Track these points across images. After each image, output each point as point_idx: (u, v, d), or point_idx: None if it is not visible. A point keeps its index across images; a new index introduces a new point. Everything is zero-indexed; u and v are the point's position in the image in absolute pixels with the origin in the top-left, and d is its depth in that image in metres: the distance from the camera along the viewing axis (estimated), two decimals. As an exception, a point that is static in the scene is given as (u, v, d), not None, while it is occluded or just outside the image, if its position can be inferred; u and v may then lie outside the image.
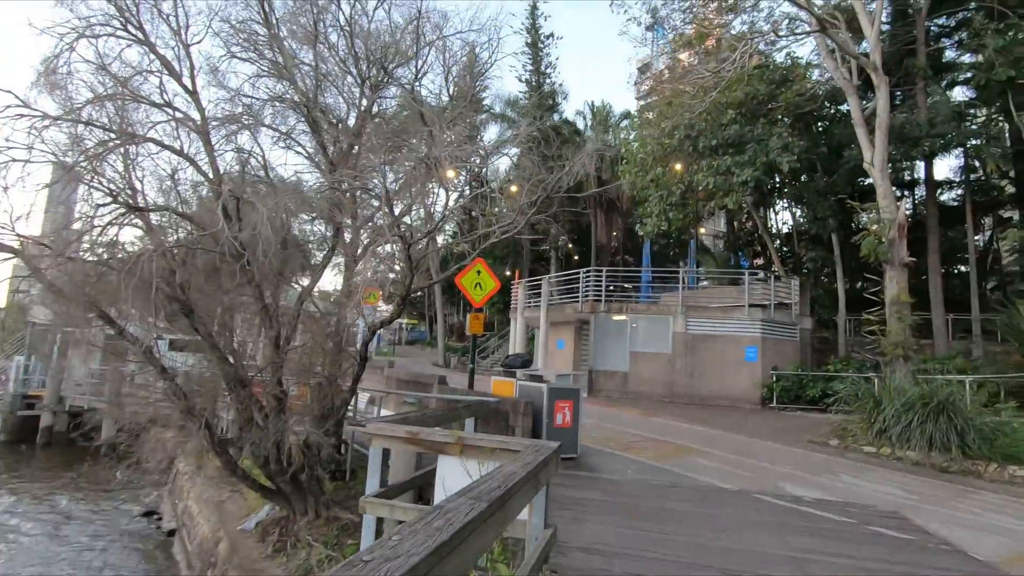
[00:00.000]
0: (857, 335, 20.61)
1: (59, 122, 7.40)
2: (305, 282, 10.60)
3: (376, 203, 9.37)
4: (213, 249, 7.48)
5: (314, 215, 9.94)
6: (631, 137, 25.58)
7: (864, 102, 16.38)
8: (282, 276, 9.62)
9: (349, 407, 9.33)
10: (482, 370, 21.64)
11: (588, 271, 20.27)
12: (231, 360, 8.89)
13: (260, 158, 9.32)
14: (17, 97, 6.68)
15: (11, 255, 7.61)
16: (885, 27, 18.95)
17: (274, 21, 7.62)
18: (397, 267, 11.53)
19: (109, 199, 7.55)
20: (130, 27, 7.08)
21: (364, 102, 9.07)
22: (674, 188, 20.57)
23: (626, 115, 31.67)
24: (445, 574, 1.70)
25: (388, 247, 9.90)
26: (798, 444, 12.23)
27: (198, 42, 7.53)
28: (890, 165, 16.00)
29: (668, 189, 20.73)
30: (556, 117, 29.84)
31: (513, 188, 8.05)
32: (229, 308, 9.07)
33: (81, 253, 8.71)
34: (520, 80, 31.82)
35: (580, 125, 31.46)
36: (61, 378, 18.77)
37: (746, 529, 6.41)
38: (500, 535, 2.98)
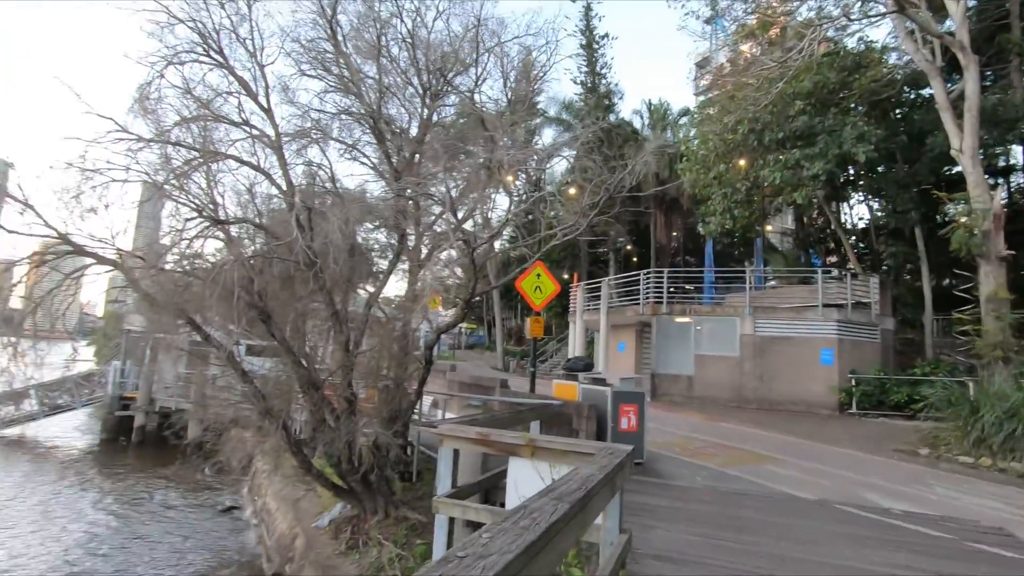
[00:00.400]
0: (946, 336, 19.09)
1: (151, 144, 8.02)
2: (370, 288, 10.99)
3: (438, 209, 9.59)
4: (288, 258, 7.86)
5: (378, 223, 10.28)
6: (691, 134, 24.89)
7: (949, 84, 15.22)
8: (350, 283, 10.00)
9: (415, 410, 9.53)
10: (541, 373, 21.59)
11: (648, 273, 19.86)
12: (304, 364, 9.32)
13: (328, 170, 9.74)
14: (116, 123, 7.30)
15: (112, 268, 8.33)
16: (972, 2, 17.52)
17: (340, 38, 7.94)
18: (456, 272, 11.76)
19: (195, 214, 8.10)
20: (212, 52, 7.59)
21: (425, 111, 9.31)
22: (738, 185, 19.82)
23: (685, 112, 30.87)
24: (533, 574, 1.69)
25: (448, 252, 10.11)
26: (882, 452, 11.44)
27: (272, 63, 7.99)
28: (981, 151, 14.74)
29: (732, 186, 19.99)
30: (612, 117, 29.47)
31: (572, 190, 8.01)
32: (302, 314, 9.51)
33: (170, 264, 9.41)
34: (575, 82, 31.72)
35: (637, 124, 30.95)
36: (152, 381, 20.28)
37: (828, 542, 6.05)
38: (579, 538, 2.95)
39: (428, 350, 8.15)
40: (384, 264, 12.99)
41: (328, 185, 9.86)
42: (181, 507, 13.75)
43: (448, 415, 9.91)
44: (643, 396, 9.71)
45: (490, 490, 5.85)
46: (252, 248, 9.74)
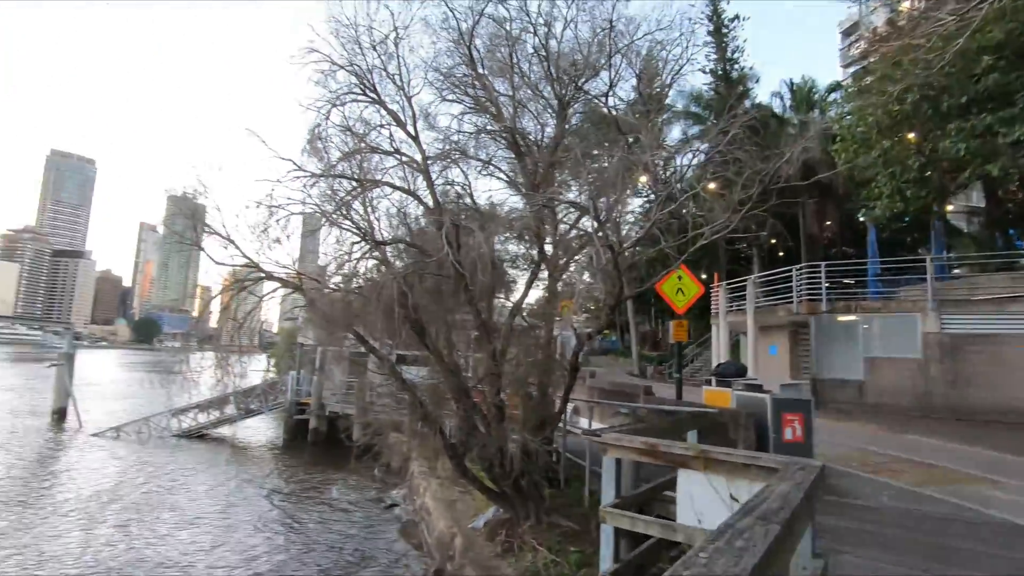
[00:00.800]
0: None
1: (320, 178, 9.06)
2: (510, 299, 11.33)
3: (573, 216, 9.62)
4: (439, 273, 8.40)
5: (516, 234, 10.57)
6: (844, 111, 22.27)
7: None
8: (493, 293, 10.40)
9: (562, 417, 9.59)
10: (682, 379, 20.59)
11: (801, 268, 18.06)
12: (455, 372, 9.86)
13: (466, 187, 10.26)
14: (294, 163, 8.37)
15: (294, 290, 9.56)
16: None
17: (477, 57, 8.32)
18: (587, 278, 11.66)
19: (358, 237, 9.01)
20: (367, 91, 8.39)
21: (557, 120, 9.42)
22: (910, 161, 17.29)
23: (834, 87, 27.76)
24: (759, 598, 1.58)
25: (580, 258, 10.07)
26: None
27: (417, 93, 8.62)
28: None
29: (901, 164, 17.49)
30: (748, 104, 27.47)
31: (711, 185, 7.53)
32: (451, 325, 10.09)
33: (336, 284, 10.52)
34: (704, 71, 30.05)
35: (777, 108, 28.46)
36: (322, 388, 22.84)
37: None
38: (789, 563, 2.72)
39: (575, 357, 8.14)
40: (517, 274, 13.34)
41: (468, 201, 10.39)
42: (351, 501, 15.22)
43: (594, 423, 9.81)
44: (809, 404, 8.81)
45: (648, 501, 5.65)
46: (403, 265, 10.56)
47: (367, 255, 9.06)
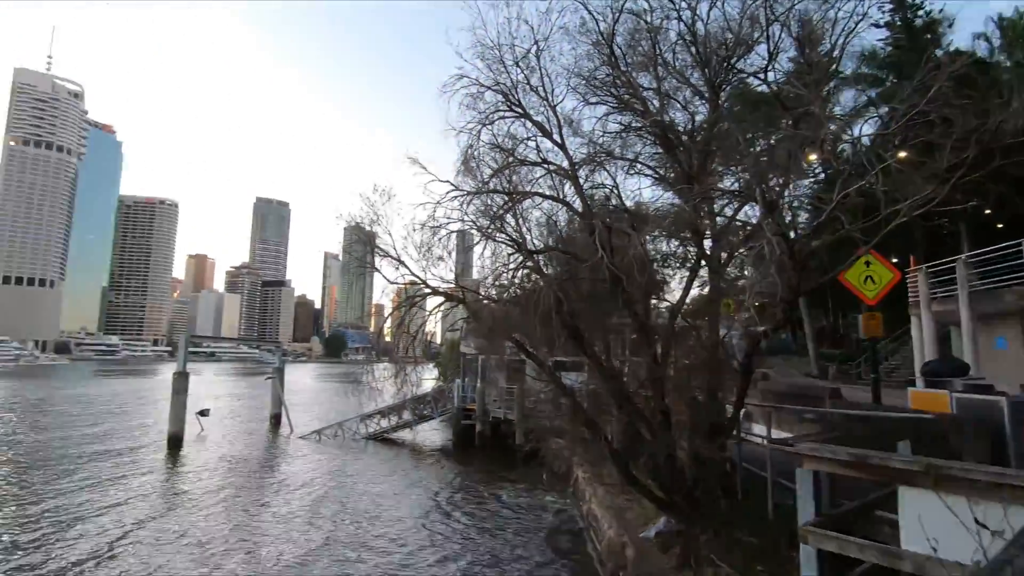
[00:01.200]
0: None
1: (474, 196, 9.57)
2: (667, 299, 10.85)
3: (734, 206, 8.92)
4: (593, 277, 8.35)
5: (668, 232, 10.11)
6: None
7: None
8: (650, 295, 10.05)
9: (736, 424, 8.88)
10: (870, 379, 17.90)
11: (1034, 240, 14.65)
12: (614, 377, 9.69)
13: (614, 189, 10.08)
14: (451, 183, 8.97)
15: (457, 303, 10.21)
16: None
17: (619, 55, 8.16)
18: (752, 272, 10.69)
19: (512, 249, 9.33)
20: (513, 107, 8.70)
21: (707, 107, 8.85)
22: None
23: (1062, 14, 22.29)
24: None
25: (744, 252, 9.26)
26: None
27: (560, 101, 8.72)
28: None
29: None
30: (939, 53, 23.21)
31: (901, 154, 6.39)
32: (608, 330, 9.96)
33: (494, 295, 10.99)
34: (878, 25, 26.07)
35: (983, 51, 23.61)
36: (484, 395, 24.06)
37: None
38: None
39: (747, 358, 7.50)
40: (668, 274, 12.72)
41: (616, 203, 10.21)
42: (519, 504, 15.69)
43: (774, 431, 8.94)
44: (1066, 409, 7.07)
45: (855, 521, 4.95)
46: (554, 272, 10.68)
47: (522, 265, 9.34)
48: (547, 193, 9.45)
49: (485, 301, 10.50)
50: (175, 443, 23.49)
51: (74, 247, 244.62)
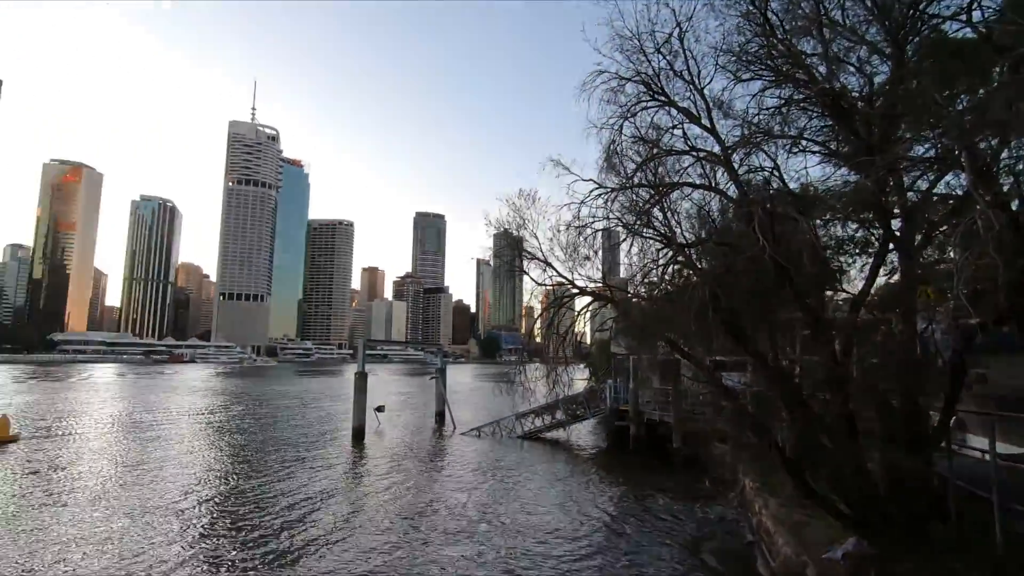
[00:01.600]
0: None
1: (618, 192, 9.37)
2: (847, 290, 9.53)
3: (930, 178, 7.54)
4: (753, 269, 7.65)
5: (844, 213, 8.90)
6: None
7: None
8: (823, 286, 8.95)
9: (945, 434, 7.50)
10: None
11: None
12: (783, 378, 8.77)
13: (774, 171, 9.15)
14: (595, 182, 8.89)
15: (606, 302, 10.09)
16: None
17: (775, 23, 7.40)
18: (950, 253, 8.88)
19: (661, 244, 8.95)
20: (655, 96, 8.35)
21: (890, 64, 7.60)
22: None
23: None
24: None
25: (946, 230, 7.75)
26: None
27: (708, 83, 8.16)
28: None
29: None
30: None
31: None
32: (775, 326, 9.06)
33: (643, 293, 10.62)
34: None
35: None
36: (637, 396, 23.41)
37: None
38: None
39: (957, 356, 6.29)
40: (846, 261, 11.16)
41: (777, 186, 9.25)
42: (677, 511, 14.93)
43: (1001, 444, 7.38)
44: None
45: None
46: (708, 266, 9.99)
47: (672, 260, 8.91)
48: (697, 182, 8.92)
49: (634, 299, 10.20)
50: (358, 435, 26.51)
51: (276, 266, 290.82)
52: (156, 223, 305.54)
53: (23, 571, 10.19)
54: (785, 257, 7.13)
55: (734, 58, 8.12)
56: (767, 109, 8.63)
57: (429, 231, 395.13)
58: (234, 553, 11.38)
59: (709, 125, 8.19)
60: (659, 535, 13.11)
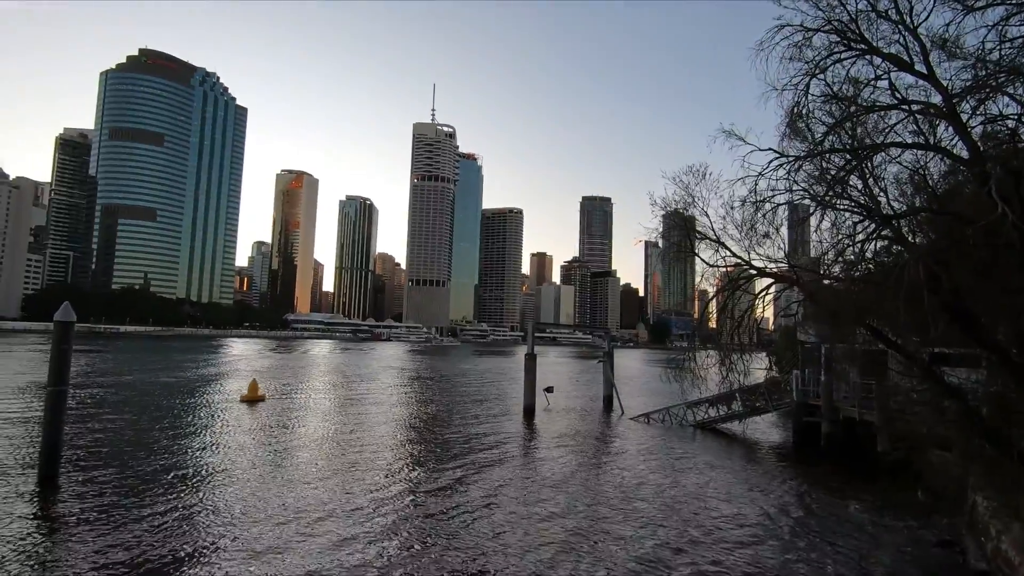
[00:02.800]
0: None
1: (805, 161, 8.31)
2: None
3: None
4: (990, 243, 6.22)
5: None
6: None
7: None
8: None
9: None
10: None
11: None
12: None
13: (1020, 118, 7.30)
14: (775, 151, 7.99)
15: (790, 284, 9.06)
16: None
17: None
18: None
19: (860, 216, 7.74)
20: (852, 44, 7.18)
21: None
22: None
23: None
24: None
25: None
26: None
27: (925, 19, 6.76)
28: None
29: None
30: None
31: None
32: (1019, 312, 7.29)
33: (837, 273, 9.30)
34: None
35: None
36: (831, 389, 20.70)
37: None
38: None
39: None
40: None
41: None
42: (879, 524, 12.93)
43: None
44: None
45: None
46: (925, 240, 8.39)
47: (875, 235, 7.65)
48: (909, 141, 7.50)
49: (826, 281, 8.98)
50: (529, 413, 27.79)
51: (455, 254, 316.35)
52: (358, 219, 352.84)
53: (261, 500, 12.73)
54: (1036, 226, 5.71)
55: (962, -17, 6.60)
56: (1012, 41, 6.86)
57: (596, 215, 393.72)
58: (414, 509, 12.81)
59: (925, 71, 6.80)
60: (859, 554, 11.44)
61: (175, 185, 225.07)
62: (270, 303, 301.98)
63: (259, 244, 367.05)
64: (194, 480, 14.35)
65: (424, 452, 19.34)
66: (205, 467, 15.83)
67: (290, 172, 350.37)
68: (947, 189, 7.87)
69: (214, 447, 18.53)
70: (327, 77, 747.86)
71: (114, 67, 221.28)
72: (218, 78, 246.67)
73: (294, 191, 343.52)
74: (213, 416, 24.80)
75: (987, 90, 7.04)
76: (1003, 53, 7.02)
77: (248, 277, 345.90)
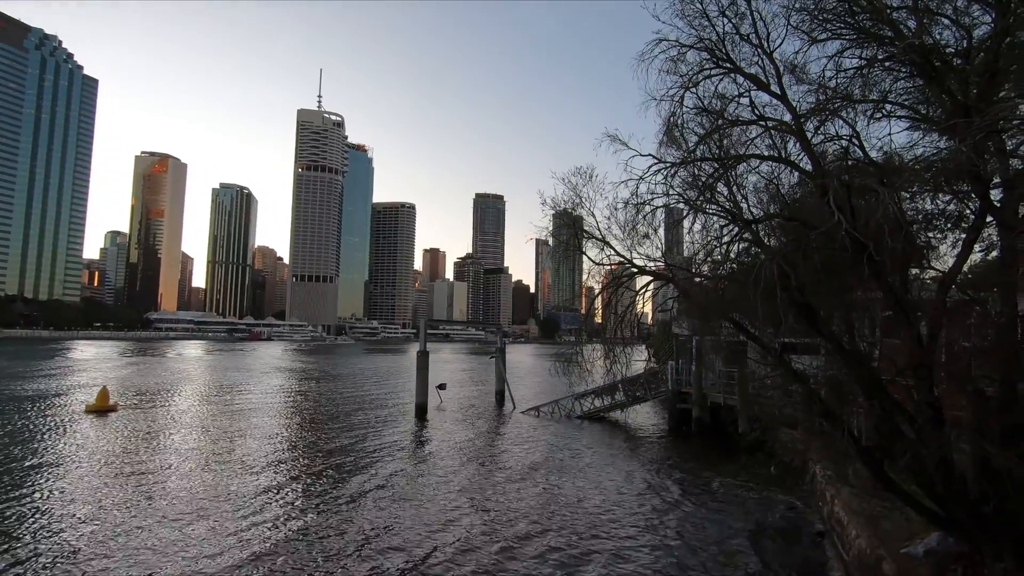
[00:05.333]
0: None
1: (679, 167, 8.95)
2: (936, 267, 8.73)
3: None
4: (827, 246, 7.13)
5: (934, 183, 8.11)
6: None
7: None
8: (908, 263, 8.23)
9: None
10: None
11: None
12: (859, 361, 8.19)
13: (853, 139, 8.43)
14: (654, 157, 8.51)
15: (665, 281, 9.73)
16: None
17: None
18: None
19: (725, 220, 8.50)
20: (719, 62, 7.84)
21: (994, 15, 6.77)
22: None
23: None
24: None
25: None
26: None
27: (778, 46, 7.56)
28: None
29: None
30: None
31: None
32: (850, 306, 8.45)
33: (706, 272, 10.17)
34: None
35: None
36: (701, 378, 22.73)
37: None
38: None
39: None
40: (935, 238, 10.22)
41: (857, 155, 8.53)
42: (742, 497, 14.47)
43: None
44: None
45: None
46: (777, 243, 9.41)
47: (738, 237, 8.45)
48: (766, 154, 8.36)
49: (697, 279, 9.80)
50: (421, 412, 27.36)
51: (344, 249, 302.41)
52: (235, 209, 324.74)
53: (112, 527, 11.28)
54: (864, 232, 6.60)
55: (808, 17, 7.47)
56: (846, 71, 7.92)
57: (488, 212, 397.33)
58: (298, 522, 12.09)
59: (779, 92, 7.62)
60: (722, 520, 12.80)
61: (3, 163, 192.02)
62: (127, 300, 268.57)
63: (114, 234, 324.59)
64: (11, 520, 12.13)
65: (304, 464, 17.96)
66: (33, 498, 13.69)
67: (152, 154, 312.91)
68: (795, 198, 8.88)
69: (49, 471, 16.08)
70: (200, 54, 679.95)
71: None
72: (60, 42, 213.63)
73: (157, 176, 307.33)
74: (49, 431, 21.39)
75: (826, 113, 8.02)
76: (839, 82, 8.07)
77: (100, 271, 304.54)
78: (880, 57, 7.40)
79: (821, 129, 8.27)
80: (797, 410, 10.06)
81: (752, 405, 17.89)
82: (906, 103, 8.31)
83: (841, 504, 10.22)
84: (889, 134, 8.23)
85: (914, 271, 9.46)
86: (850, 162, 8.35)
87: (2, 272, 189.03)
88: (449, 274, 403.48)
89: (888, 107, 8.29)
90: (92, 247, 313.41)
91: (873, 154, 8.35)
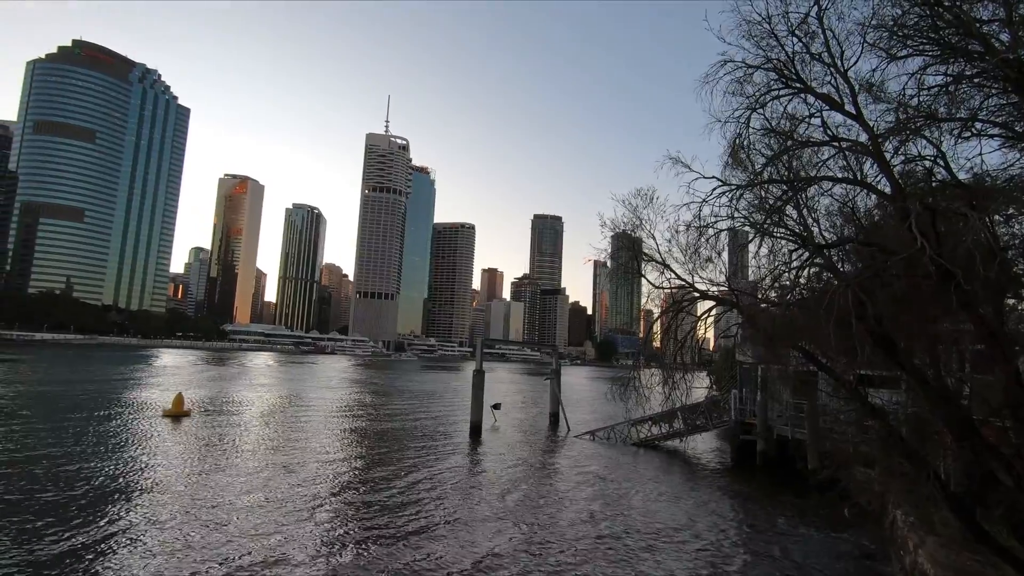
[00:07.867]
0: None
1: (745, 189, 8.69)
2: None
3: None
4: (910, 274, 6.67)
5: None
6: None
7: None
8: (1004, 293, 7.57)
9: None
10: None
11: None
12: (946, 399, 7.55)
13: (938, 159, 7.92)
14: (719, 179, 8.32)
15: (730, 307, 9.40)
16: None
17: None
18: None
19: (795, 245, 8.14)
20: (789, 82, 7.61)
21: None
22: None
23: None
24: None
25: None
26: None
27: (853, 64, 7.25)
28: None
29: None
30: None
31: None
32: (936, 339, 7.83)
33: (773, 298, 9.74)
34: None
35: None
36: (767, 409, 21.58)
37: None
38: None
39: None
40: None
41: (943, 176, 7.99)
42: (810, 538, 13.53)
43: None
44: None
45: None
46: (853, 269, 8.90)
47: (808, 263, 8.07)
48: (839, 176, 7.98)
49: (763, 304, 9.39)
50: (475, 431, 27.46)
51: (405, 267, 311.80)
52: (305, 228, 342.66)
53: (187, 523, 11.91)
54: (951, 259, 6.15)
55: (887, 33, 7.13)
56: (929, 89, 7.47)
57: (546, 233, 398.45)
58: (354, 531, 12.33)
59: (854, 111, 7.28)
60: (789, 562, 11.98)
61: (106, 185, 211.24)
62: (206, 312, 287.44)
63: (197, 250, 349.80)
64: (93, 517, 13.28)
65: (365, 479, 18.58)
66: (119, 492, 14.71)
67: (234, 177, 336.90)
68: (873, 222, 8.41)
69: (128, 468, 17.26)
70: (278, 83, 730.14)
71: (43, 57, 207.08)
72: (159, 75, 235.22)
73: (238, 196, 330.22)
74: (129, 434, 22.96)
75: (907, 132, 7.59)
76: (921, 100, 7.62)
77: (184, 284, 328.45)
78: (968, 73, 6.93)
79: (901, 150, 7.82)
80: (874, 448, 9.37)
81: (824, 440, 16.79)
82: (998, 121, 7.73)
83: (926, 555, 9.34)
84: (980, 154, 7.65)
85: (1010, 301, 8.69)
86: (934, 184, 7.83)
87: (100, 283, 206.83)
88: (506, 294, 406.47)
89: (978, 126, 7.73)
90: (178, 262, 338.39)
91: (961, 175, 7.79)
